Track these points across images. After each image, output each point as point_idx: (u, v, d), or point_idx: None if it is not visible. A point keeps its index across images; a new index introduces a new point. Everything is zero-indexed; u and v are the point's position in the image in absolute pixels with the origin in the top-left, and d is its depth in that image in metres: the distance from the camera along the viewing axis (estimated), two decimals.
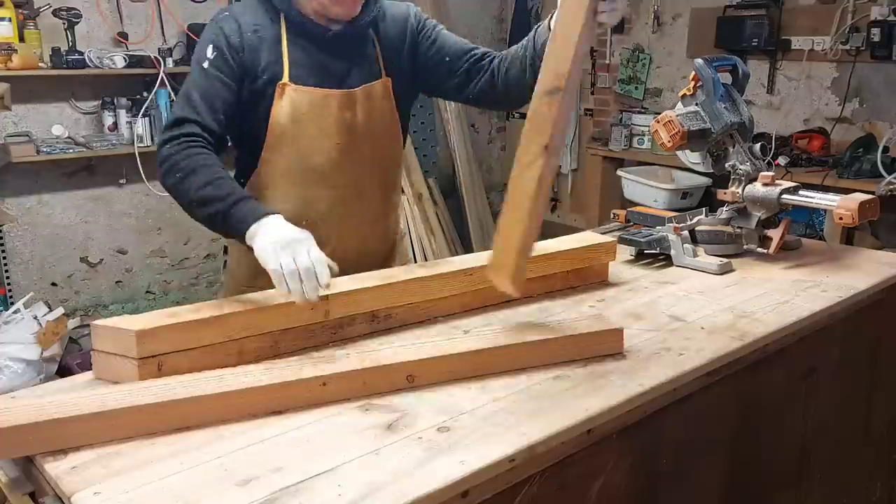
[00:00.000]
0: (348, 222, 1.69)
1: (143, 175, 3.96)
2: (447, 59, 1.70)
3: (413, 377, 1.18)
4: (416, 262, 4.82)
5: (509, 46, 1.72)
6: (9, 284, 3.78)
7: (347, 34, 1.61)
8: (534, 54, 1.56)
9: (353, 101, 1.61)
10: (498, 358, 1.24)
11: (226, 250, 1.83)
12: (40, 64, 3.63)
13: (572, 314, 1.50)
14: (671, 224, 1.88)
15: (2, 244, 3.78)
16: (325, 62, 1.60)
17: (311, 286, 1.25)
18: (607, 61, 5.18)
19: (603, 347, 1.31)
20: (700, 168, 2.07)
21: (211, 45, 1.54)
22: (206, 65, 1.53)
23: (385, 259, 1.81)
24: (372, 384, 1.16)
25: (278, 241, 1.28)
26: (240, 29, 1.55)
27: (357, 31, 1.62)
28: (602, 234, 2.08)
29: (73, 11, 3.69)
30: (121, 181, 4.12)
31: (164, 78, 3.90)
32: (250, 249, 1.35)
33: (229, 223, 1.38)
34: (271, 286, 1.30)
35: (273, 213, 1.36)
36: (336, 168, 1.63)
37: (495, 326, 1.37)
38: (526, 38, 1.60)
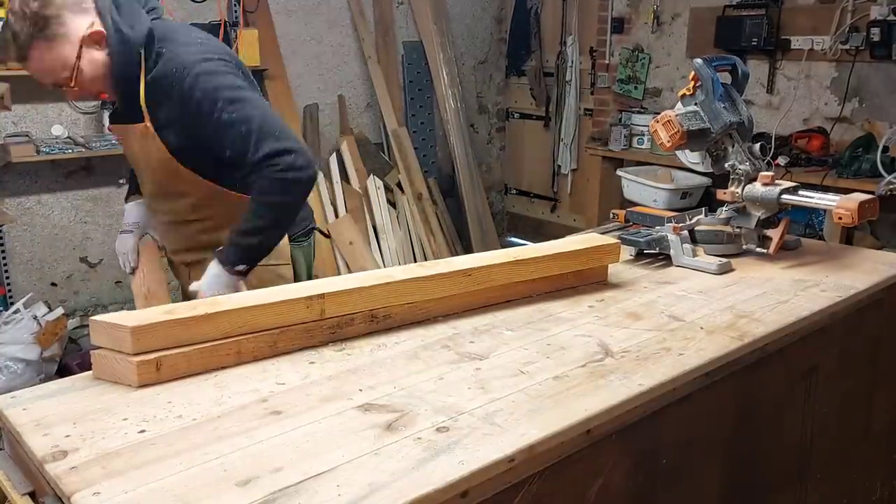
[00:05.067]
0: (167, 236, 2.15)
1: None
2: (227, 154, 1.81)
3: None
4: (415, 261, 4.82)
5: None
6: (8, 284, 3.79)
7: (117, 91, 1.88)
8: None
9: (121, 136, 1.99)
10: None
11: None
12: None
13: (573, 313, 1.50)
14: (671, 224, 1.88)
15: (1, 244, 3.78)
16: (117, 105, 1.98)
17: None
18: (607, 61, 5.18)
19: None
20: (699, 168, 2.07)
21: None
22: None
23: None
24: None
25: None
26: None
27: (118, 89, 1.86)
28: (602, 234, 2.08)
29: None
30: (120, 181, 4.12)
31: None
32: None
33: None
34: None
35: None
36: (156, 197, 2.05)
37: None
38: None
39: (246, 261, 1.83)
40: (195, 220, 2.00)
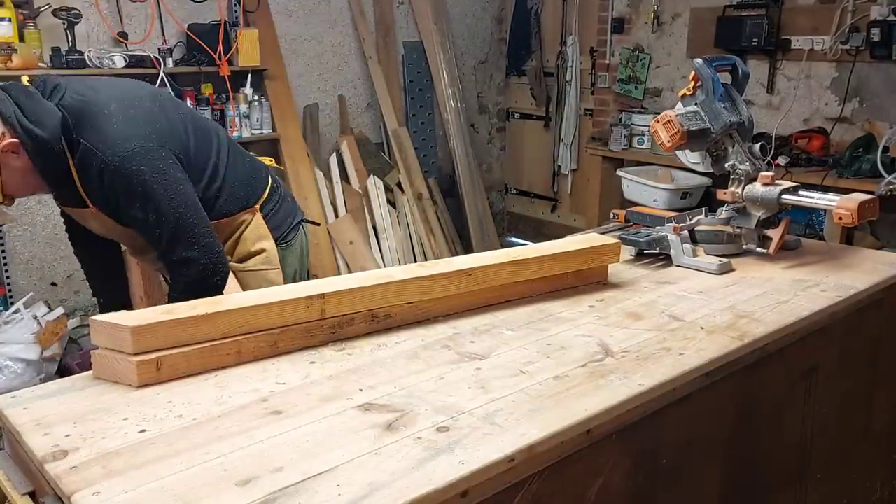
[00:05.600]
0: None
1: None
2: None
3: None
4: (415, 261, 4.82)
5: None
6: (9, 284, 3.78)
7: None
8: None
9: (77, 214, 1.97)
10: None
11: None
12: (40, 64, 3.63)
13: (573, 313, 1.50)
14: (671, 224, 1.88)
15: (2, 244, 3.78)
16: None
17: None
18: (607, 61, 5.18)
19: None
20: (700, 168, 2.07)
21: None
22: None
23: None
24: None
25: None
26: None
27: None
28: (602, 234, 2.08)
29: (73, 11, 3.69)
30: None
31: (164, 78, 3.90)
32: None
33: None
34: None
35: None
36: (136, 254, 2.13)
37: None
38: None
39: None
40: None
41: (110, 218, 1.86)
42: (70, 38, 3.70)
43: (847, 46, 3.89)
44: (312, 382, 1.20)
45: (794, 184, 1.87)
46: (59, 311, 3.61)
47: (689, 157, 2.06)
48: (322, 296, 1.34)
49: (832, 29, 3.95)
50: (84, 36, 3.83)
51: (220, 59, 4.08)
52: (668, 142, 1.86)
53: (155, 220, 1.77)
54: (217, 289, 1.85)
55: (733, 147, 1.91)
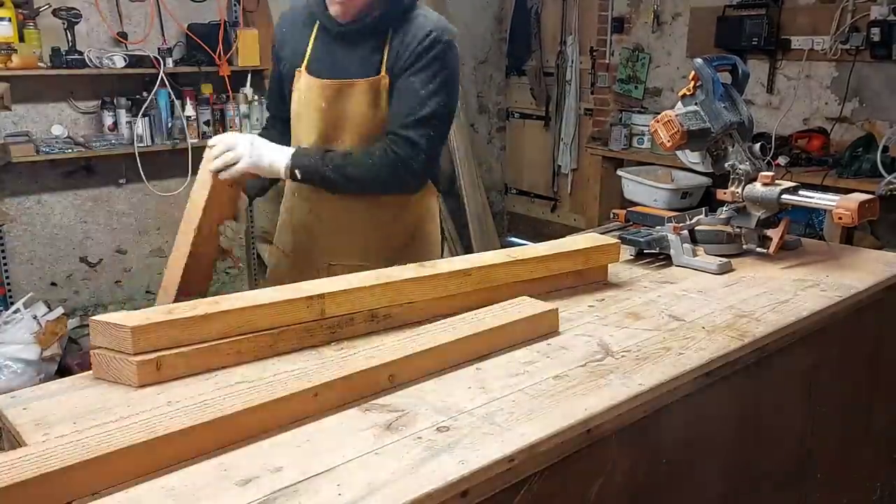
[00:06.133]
0: (351, 216, 1.91)
1: (142, 175, 3.96)
2: (393, 105, 1.81)
3: (394, 377, 1.18)
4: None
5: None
6: (9, 284, 3.78)
7: (353, 30, 1.78)
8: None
9: (339, 92, 1.81)
10: (466, 347, 1.28)
11: None
12: (40, 64, 3.63)
13: (573, 313, 1.50)
14: (671, 224, 1.88)
15: (2, 244, 3.78)
16: (333, 55, 1.82)
17: None
18: (607, 61, 5.18)
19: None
20: (700, 168, 2.07)
21: (275, 37, 1.97)
22: (272, 53, 1.98)
23: (402, 249, 1.93)
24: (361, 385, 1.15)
25: None
26: (283, 25, 1.95)
27: (362, 28, 1.78)
28: (602, 233, 2.08)
29: (73, 11, 3.69)
30: (120, 181, 4.13)
31: (164, 78, 3.90)
32: None
33: None
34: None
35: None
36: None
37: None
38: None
39: (308, 175, 1.80)
40: (375, 211, 1.92)
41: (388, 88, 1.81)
42: (70, 38, 3.70)
43: (847, 46, 3.89)
44: None
45: (794, 184, 1.87)
46: (59, 311, 3.61)
47: (689, 157, 2.06)
48: (322, 296, 1.34)
49: (832, 29, 3.95)
50: (84, 36, 3.83)
51: (219, 59, 4.08)
52: (668, 142, 1.86)
53: (428, 94, 1.77)
54: (401, 186, 1.85)
55: (733, 147, 1.91)
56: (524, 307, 1.41)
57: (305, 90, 1.84)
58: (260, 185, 1.97)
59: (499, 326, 1.33)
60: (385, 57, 1.79)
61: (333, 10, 1.75)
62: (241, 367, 1.25)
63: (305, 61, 1.84)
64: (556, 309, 1.43)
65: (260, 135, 1.85)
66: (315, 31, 1.84)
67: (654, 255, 1.89)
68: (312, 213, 1.95)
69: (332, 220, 1.92)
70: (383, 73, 1.79)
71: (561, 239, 1.76)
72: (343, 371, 1.13)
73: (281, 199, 2.04)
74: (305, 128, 1.87)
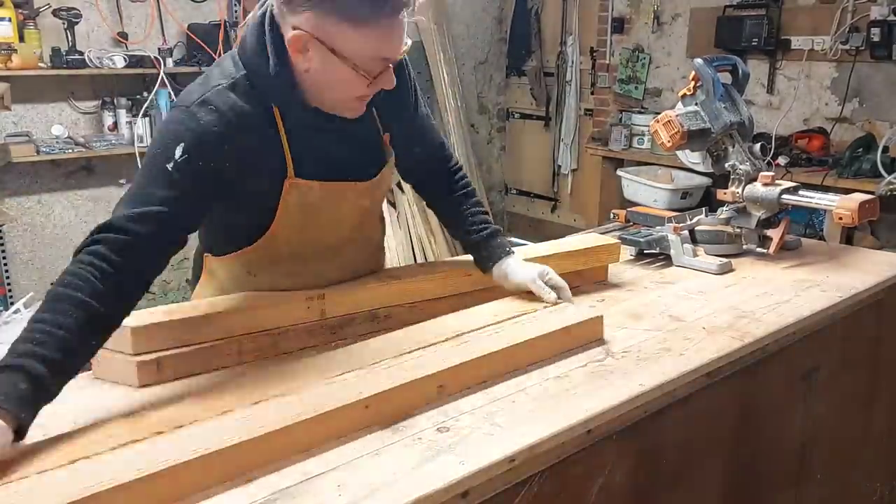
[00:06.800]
0: (353, 278, 1.53)
1: None
2: (418, 146, 1.57)
3: (443, 388, 1.14)
4: (415, 261, 4.82)
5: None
6: (9, 284, 3.78)
7: (350, 121, 1.36)
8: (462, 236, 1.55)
9: (369, 189, 1.45)
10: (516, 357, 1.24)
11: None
12: (40, 64, 3.63)
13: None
14: (671, 224, 1.88)
15: (2, 244, 3.78)
16: (329, 150, 1.38)
17: None
18: (607, 61, 5.18)
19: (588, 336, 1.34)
20: (700, 168, 2.07)
21: (182, 145, 1.20)
22: (170, 166, 1.19)
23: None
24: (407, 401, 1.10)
25: None
26: (223, 124, 1.23)
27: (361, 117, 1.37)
28: (602, 234, 2.08)
29: (73, 11, 3.69)
30: (120, 181, 4.12)
31: (164, 78, 3.90)
32: None
33: None
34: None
35: None
36: (347, 243, 1.49)
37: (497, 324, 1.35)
38: (474, 221, 1.53)
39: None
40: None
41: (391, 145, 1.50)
42: (70, 38, 3.70)
43: (847, 46, 3.89)
44: None
45: (794, 184, 1.88)
46: None
47: (689, 157, 2.06)
48: (322, 296, 1.34)
49: (832, 29, 3.94)
50: (84, 36, 3.83)
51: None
52: (668, 142, 1.86)
53: (427, 113, 1.59)
54: None
55: (733, 147, 1.91)
56: (567, 314, 1.36)
57: (316, 197, 1.37)
58: None
59: (546, 334, 1.28)
60: (376, 120, 1.45)
61: (351, 113, 1.32)
62: (241, 367, 1.25)
63: (291, 167, 1.33)
64: (601, 316, 1.38)
65: (76, 270, 1.09)
66: (281, 127, 1.31)
67: (655, 256, 1.89)
68: None
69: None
70: (382, 133, 1.47)
71: (561, 239, 1.76)
72: (392, 382, 1.08)
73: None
74: (328, 229, 1.44)
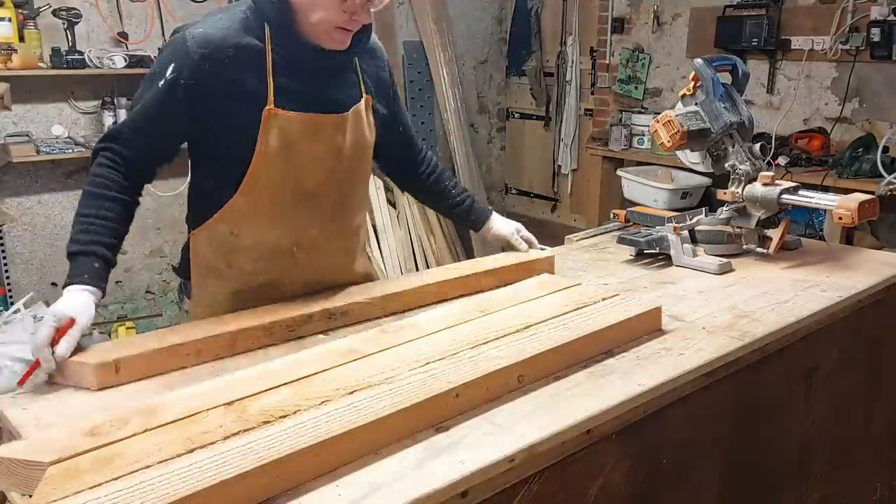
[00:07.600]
0: (334, 244, 1.61)
1: None
2: (400, 141, 1.80)
3: (523, 377, 1.18)
4: (415, 261, 4.82)
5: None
6: (9, 284, 3.78)
7: (336, 59, 1.50)
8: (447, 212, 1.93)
9: (344, 124, 1.52)
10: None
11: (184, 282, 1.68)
12: (40, 64, 3.63)
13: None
14: (671, 224, 1.88)
15: (2, 244, 3.78)
16: (311, 85, 1.48)
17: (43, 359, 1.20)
18: (607, 61, 5.18)
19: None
20: (700, 168, 2.07)
21: (172, 65, 1.38)
22: (161, 83, 1.39)
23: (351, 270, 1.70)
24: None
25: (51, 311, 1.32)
26: (211, 48, 1.38)
27: (346, 57, 1.51)
28: (602, 233, 2.08)
29: (73, 11, 3.69)
30: None
31: None
32: None
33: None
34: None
35: (76, 286, 1.44)
36: (325, 191, 1.53)
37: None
38: (455, 194, 1.88)
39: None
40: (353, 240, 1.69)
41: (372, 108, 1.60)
42: (70, 38, 3.70)
43: (847, 46, 3.89)
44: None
45: (794, 184, 1.88)
46: None
47: (689, 157, 2.06)
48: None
49: (832, 29, 3.94)
50: (84, 36, 3.83)
51: None
52: (668, 142, 1.86)
53: (405, 113, 1.82)
54: None
55: (733, 147, 1.91)
56: (628, 306, 1.42)
57: (294, 130, 1.45)
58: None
59: (617, 324, 1.34)
60: (361, 79, 1.57)
61: (332, 42, 1.43)
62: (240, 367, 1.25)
63: (272, 97, 1.42)
64: (660, 307, 1.44)
65: (100, 172, 1.46)
66: (269, 57, 1.43)
67: (654, 256, 1.89)
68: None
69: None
70: (363, 93, 1.57)
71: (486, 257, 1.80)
72: (476, 372, 1.12)
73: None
74: (306, 169, 1.50)
